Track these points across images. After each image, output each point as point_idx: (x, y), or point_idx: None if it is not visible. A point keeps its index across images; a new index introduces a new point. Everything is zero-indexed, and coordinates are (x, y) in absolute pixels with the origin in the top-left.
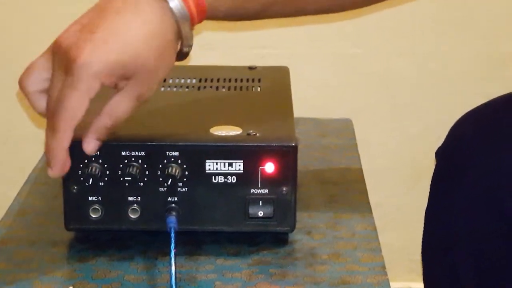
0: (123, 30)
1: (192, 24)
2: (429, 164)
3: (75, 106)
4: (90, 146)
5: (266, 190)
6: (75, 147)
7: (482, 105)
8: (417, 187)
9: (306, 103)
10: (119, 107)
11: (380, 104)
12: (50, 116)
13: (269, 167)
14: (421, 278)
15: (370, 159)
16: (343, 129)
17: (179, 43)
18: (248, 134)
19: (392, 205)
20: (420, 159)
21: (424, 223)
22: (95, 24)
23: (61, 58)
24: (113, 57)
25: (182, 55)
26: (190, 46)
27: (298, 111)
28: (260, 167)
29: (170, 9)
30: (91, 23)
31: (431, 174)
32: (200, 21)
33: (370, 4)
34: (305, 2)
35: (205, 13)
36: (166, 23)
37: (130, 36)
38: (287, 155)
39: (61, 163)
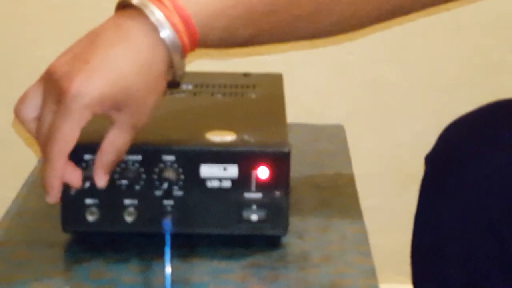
0: (114, 62)
1: (184, 54)
2: (419, 170)
3: (67, 136)
4: (103, 181)
5: (260, 194)
6: (73, 150)
7: (470, 112)
8: (407, 192)
9: (299, 108)
10: (118, 141)
11: (371, 110)
12: (43, 145)
13: (263, 172)
14: (410, 280)
15: (362, 164)
16: (335, 135)
17: (171, 72)
18: (243, 140)
19: (383, 209)
20: (410, 165)
21: (413, 227)
22: (87, 54)
23: (53, 87)
24: (104, 89)
25: (174, 84)
26: (181, 76)
27: (292, 116)
28: (254, 172)
29: (162, 40)
30: (83, 52)
31: (421, 179)
32: (191, 50)
33: (355, 30)
34: (294, 29)
35: (197, 42)
36: (157, 54)
37: (122, 68)
38: (280, 161)
39: (57, 191)
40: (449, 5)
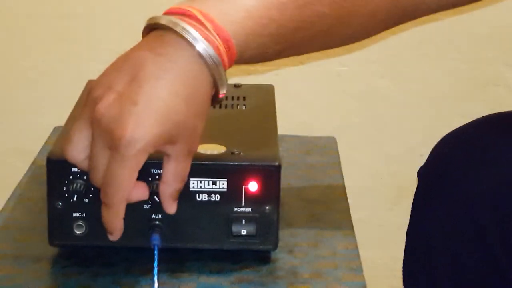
0: (163, 99)
1: (225, 71)
2: (412, 183)
3: (126, 182)
4: (173, 209)
5: (249, 209)
6: (60, 164)
7: (464, 125)
8: (399, 205)
9: (291, 120)
10: (179, 171)
11: (363, 123)
12: (102, 190)
13: (253, 186)
14: None
15: (354, 177)
16: (327, 147)
17: (214, 90)
18: (232, 153)
19: (375, 222)
20: (403, 178)
21: (406, 241)
22: (133, 93)
23: (103, 132)
24: (157, 130)
25: (217, 101)
26: (224, 93)
27: (283, 128)
28: (243, 186)
29: (207, 65)
30: (128, 92)
31: (413, 193)
32: (230, 65)
33: (370, 36)
34: (316, 42)
35: (233, 61)
36: (202, 79)
37: (171, 103)
38: (270, 175)
39: (120, 229)
40: (456, 10)
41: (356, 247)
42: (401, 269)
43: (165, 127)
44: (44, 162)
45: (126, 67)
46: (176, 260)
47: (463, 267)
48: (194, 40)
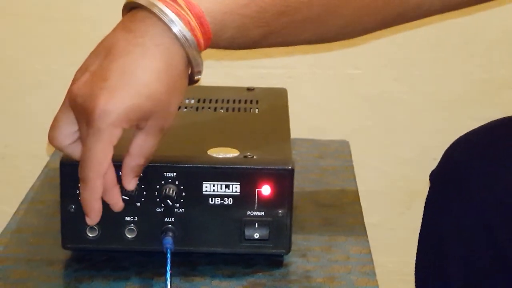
0: (133, 73)
1: (199, 50)
2: (424, 187)
3: (100, 157)
4: (132, 184)
5: (262, 213)
6: (73, 167)
7: (476, 129)
8: (412, 209)
9: (304, 123)
10: (147, 145)
11: (376, 126)
12: (79, 166)
13: (266, 190)
14: None
15: (366, 180)
16: (340, 151)
17: (190, 69)
18: (245, 157)
19: (387, 226)
20: (416, 181)
21: (418, 245)
22: (104, 70)
23: (80, 111)
24: (128, 103)
25: (193, 81)
26: (200, 72)
27: (296, 131)
28: (256, 190)
29: (176, 38)
30: (100, 69)
31: (425, 196)
32: (205, 47)
33: (362, 34)
34: (303, 31)
35: (210, 40)
36: (174, 53)
37: (141, 77)
38: (283, 178)
39: (97, 212)
40: (453, 13)
41: (369, 252)
42: (413, 273)
43: (137, 100)
44: (56, 165)
45: (100, 48)
46: (189, 264)
47: (475, 272)
48: (170, 21)
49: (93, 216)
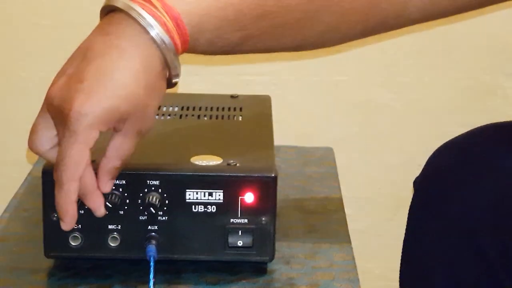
0: (110, 74)
1: (177, 53)
2: (409, 193)
3: (76, 159)
4: (108, 186)
5: (246, 220)
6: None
7: (460, 135)
8: (397, 216)
9: (289, 130)
10: (124, 147)
11: (361, 133)
12: (54, 171)
13: (249, 197)
14: None
15: (352, 187)
16: (325, 158)
17: (167, 72)
18: (229, 164)
19: (372, 233)
20: (401, 188)
21: (402, 252)
22: (81, 72)
23: (56, 114)
24: (105, 105)
25: (171, 84)
26: (178, 76)
27: (281, 138)
28: (239, 197)
29: (153, 40)
30: (76, 71)
31: (409, 204)
32: (183, 50)
33: (341, 43)
34: (281, 36)
35: (188, 42)
36: (151, 55)
37: (118, 78)
38: (266, 186)
39: (71, 216)
40: (434, 22)
41: (353, 258)
42: (397, 279)
43: (113, 102)
44: (39, 173)
45: (77, 52)
46: (173, 272)
47: (459, 279)
48: (148, 25)
49: (68, 220)
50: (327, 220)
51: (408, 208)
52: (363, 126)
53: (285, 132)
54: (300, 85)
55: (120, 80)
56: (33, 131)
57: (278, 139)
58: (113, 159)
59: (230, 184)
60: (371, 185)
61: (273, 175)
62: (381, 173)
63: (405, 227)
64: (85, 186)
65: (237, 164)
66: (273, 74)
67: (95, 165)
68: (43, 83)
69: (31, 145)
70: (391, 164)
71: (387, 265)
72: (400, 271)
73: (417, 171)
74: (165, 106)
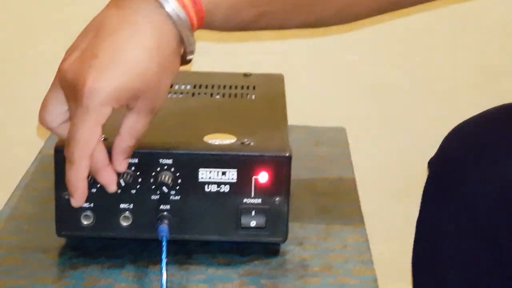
0: (124, 50)
1: (192, 29)
2: (421, 174)
3: (87, 136)
4: (123, 166)
5: (259, 200)
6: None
7: (475, 116)
8: (409, 197)
9: (299, 110)
10: (137, 126)
11: (373, 113)
12: (65, 147)
13: (263, 177)
14: (409, 287)
15: (363, 168)
16: (337, 138)
17: (182, 49)
18: (242, 143)
19: (383, 215)
20: (412, 169)
21: (415, 233)
22: (95, 48)
23: (69, 89)
24: (119, 82)
25: (185, 61)
26: (193, 52)
27: (292, 118)
28: (253, 177)
29: (169, 16)
30: (90, 47)
31: (422, 184)
32: (198, 27)
33: (356, 20)
34: (297, 14)
35: (203, 19)
36: (166, 32)
37: (132, 55)
38: (281, 165)
39: (82, 193)
40: (444, 1)
41: (367, 240)
42: (409, 261)
43: (127, 80)
44: (50, 152)
45: (90, 27)
46: (184, 252)
47: (472, 263)
48: (164, 0)
49: (78, 197)
50: (340, 201)
51: (418, 189)
52: (374, 106)
53: (296, 111)
54: (312, 64)
55: (133, 57)
56: (44, 106)
57: (289, 119)
58: (127, 138)
59: (244, 163)
60: (381, 166)
61: (287, 154)
62: (392, 154)
63: (415, 209)
64: (97, 163)
65: (251, 143)
66: (284, 53)
67: (106, 143)
68: (51, 62)
69: (42, 120)
70: (402, 145)
71: (396, 248)
72: (413, 252)
73: (428, 152)
74: (177, 84)
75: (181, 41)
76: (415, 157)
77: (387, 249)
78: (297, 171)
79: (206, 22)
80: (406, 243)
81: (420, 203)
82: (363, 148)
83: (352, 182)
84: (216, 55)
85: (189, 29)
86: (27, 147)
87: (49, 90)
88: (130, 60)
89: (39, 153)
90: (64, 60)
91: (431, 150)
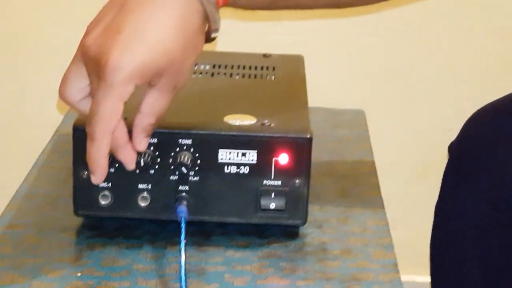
0: (149, 27)
1: (217, 7)
2: (439, 158)
3: (110, 112)
4: (143, 144)
5: (279, 182)
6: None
7: (496, 100)
8: (426, 181)
9: (318, 92)
10: (159, 104)
11: (392, 96)
12: (87, 124)
13: (283, 159)
14: (425, 271)
15: (380, 151)
16: (356, 120)
17: (207, 26)
18: (263, 124)
19: (401, 198)
20: (431, 153)
21: (434, 217)
22: (119, 23)
23: (92, 64)
24: (143, 59)
25: (210, 39)
26: (218, 30)
27: (310, 100)
28: (273, 158)
29: None
30: (114, 22)
31: (441, 168)
32: (223, 4)
33: (378, 2)
34: None
35: None
36: (191, 8)
37: (157, 32)
38: (301, 147)
39: (103, 170)
40: None
41: (387, 224)
42: (426, 245)
43: (151, 56)
44: (68, 130)
45: (114, 1)
46: (202, 234)
47: (491, 248)
48: None
49: (98, 174)
50: (359, 184)
51: (436, 173)
52: (394, 89)
53: (314, 93)
54: (330, 46)
55: (158, 34)
56: (64, 80)
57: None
58: (148, 116)
59: (264, 144)
60: (399, 149)
61: (308, 136)
62: (410, 137)
63: (432, 192)
64: (117, 140)
65: (272, 124)
66: (303, 34)
67: (125, 122)
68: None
69: (62, 94)
70: (421, 128)
71: (414, 231)
72: (431, 236)
73: (446, 135)
74: (196, 64)
75: (206, 18)
76: (434, 141)
77: (403, 231)
78: (316, 153)
79: (231, 0)
80: (423, 227)
81: (440, 186)
82: (381, 131)
83: (372, 165)
84: (235, 35)
85: (214, 6)
86: (44, 125)
87: (70, 64)
88: (154, 37)
89: (56, 131)
90: (86, 34)
91: (451, 134)
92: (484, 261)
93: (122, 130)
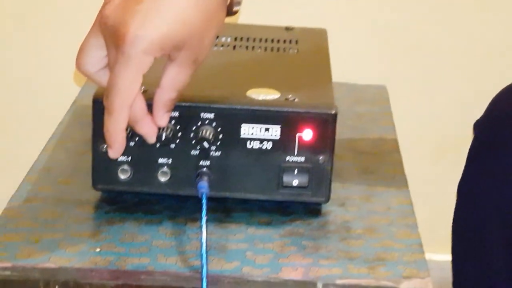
0: None
1: None
2: (463, 136)
3: (128, 85)
4: (164, 119)
5: (302, 158)
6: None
7: None
8: (447, 159)
9: (340, 66)
10: (179, 78)
11: (414, 73)
12: (105, 96)
13: (307, 135)
14: (441, 249)
15: (402, 129)
16: (378, 97)
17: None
18: (287, 99)
19: (420, 176)
20: (454, 130)
21: (457, 196)
22: None
23: (110, 35)
24: (163, 30)
25: (231, 12)
26: (240, 3)
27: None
28: (297, 134)
29: None
30: None
31: (463, 147)
32: None
33: None
34: None
35: None
36: None
37: (177, 3)
38: (326, 123)
39: (121, 144)
40: None
41: (411, 203)
42: (442, 224)
43: (171, 29)
44: (85, 102)
45: None
46: (223, 210)
47: None
48: None
49: (116, 148)
50: (382, 162)
51: (458, 151)
52: (417, 65)
53: (336, 68)
54: (352, 20)
55: (179, 6)
56: (81, 51)
57: None
58: (168, 90)
59: (288, 120)
60: (422, 127)
61: (333, 112)
62: (431, 115)
63: (452, 171)
64: (136, 113)
65: (296, 99)
66: (326, 8)
67: (145, 94)
68: (91, 3)
69: (79, 65)
70: (445, 105)
71: (434, 210)
72: (454, 214)
73: (471, 113)
74: (217, 37)
75: None
76: (457, 118)
77: (423, 211)
78: (338, 130)
79: None
80: (440, 205)
81: (464, 165)
82: (403, 108)
83: (394, 143)
84: (257, 7)
85: None
86: (61, 96)
87: (88, 34)
88: (175, 8)
89: (74, 102)
90: (105, 4)
91: (474, 111)
92: (508, 241)
93: (141, 103)
